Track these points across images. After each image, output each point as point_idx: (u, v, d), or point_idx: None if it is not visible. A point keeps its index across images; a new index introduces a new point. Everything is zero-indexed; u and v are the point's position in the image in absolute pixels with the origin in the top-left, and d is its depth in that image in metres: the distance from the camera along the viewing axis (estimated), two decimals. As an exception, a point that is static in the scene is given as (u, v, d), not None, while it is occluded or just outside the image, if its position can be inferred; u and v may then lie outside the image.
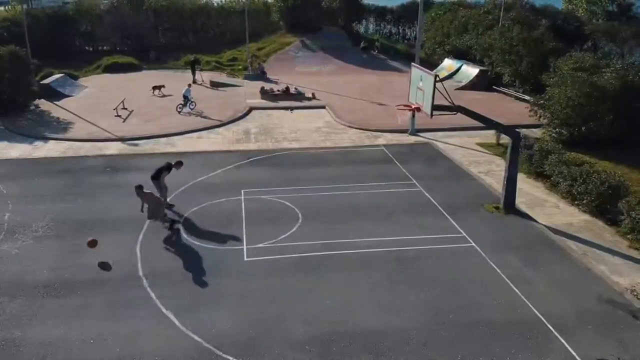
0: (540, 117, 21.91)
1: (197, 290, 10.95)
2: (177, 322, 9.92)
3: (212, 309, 10.31)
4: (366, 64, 40.45)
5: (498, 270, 11.74)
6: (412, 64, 14.75)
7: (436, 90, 13.51)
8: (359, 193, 15.98)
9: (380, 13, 50.45)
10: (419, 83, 14.00)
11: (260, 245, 12.86)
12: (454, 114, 13.58)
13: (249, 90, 31.55)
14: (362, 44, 43.27)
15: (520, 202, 15.56)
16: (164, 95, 29.92)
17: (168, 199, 14.93)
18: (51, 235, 13.17)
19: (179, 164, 15.06)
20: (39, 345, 9.20)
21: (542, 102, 21.76)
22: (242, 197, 15.65)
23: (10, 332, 9.49)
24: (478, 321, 9.96)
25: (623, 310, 10.34)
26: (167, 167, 14.68)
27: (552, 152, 17.07)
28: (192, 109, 26.07)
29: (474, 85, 32.33)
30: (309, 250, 12.59)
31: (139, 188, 13.09)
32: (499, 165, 18.67)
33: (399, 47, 45.23)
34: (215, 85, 33.32)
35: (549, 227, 13.95)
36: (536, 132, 22.14)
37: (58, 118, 24.87)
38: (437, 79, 12.77)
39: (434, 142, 21.80)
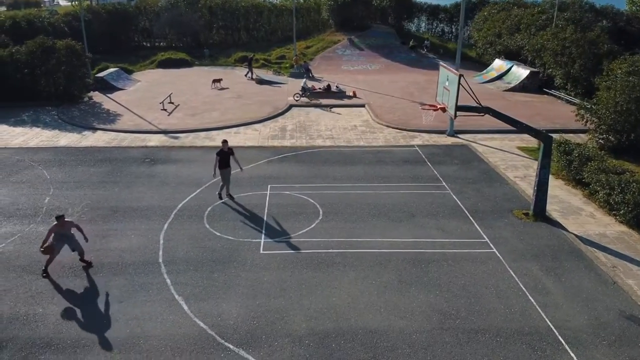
0: (586, 121, 20.85)
1: (210, 279, 11.30)
2: (186, 308, 10.29)
3: (221, 298, 10.61)
4: (414, 63, 39.97)
5: (516, 278, 11.35)
6: (440, 63, 14.44)
7: (467, 90, 13.13)
8: (384, 193, 15.87)
9: (433, 11, 49.57)
10: (445, 83, 13.70)
11: (278, 239, 13.07)
12: (481, 115, 13.16)
13: (292, 88, 31.96)
14: (410, 43, 42.75)
15: (553, 210, 14.93)
16: (222, 88, 31.49)
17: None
18: (84, 220, 13.97)
19: (224, 142, 15.14)
20: (56, 321, 9.83)
21: (589, 106, 20.69)
22: (268, 192, 15.94)
23: (33, 308, 10.20)
24: (485, 328, 9.70)
25: (646, 328, 9.72)
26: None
27: (592, 158, 16.22)
28: (308, 94, 28.18)
29: (524, 87, 31.24)
30: (324, 247, 12.67)
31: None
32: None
33: (450, 46, 44.28)
34: (260, 82, 33.96)
35: (579, 237, 13.32)
36: (584, 138, 21.14)
37: (108, 110, 26.24)
38: (461, 78, 12.41)
39: (472, 144, 21.27)
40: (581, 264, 11.98)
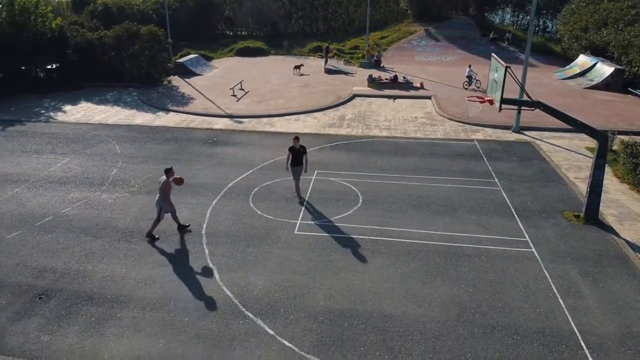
0: (669, 123, 19.11)
1: (244, 252, 12.01)
2: (217, 277, 11.07)
3: (251, 270, 11.27)
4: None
5: (549, 279, 10.95)
6: (492, 54, 14.00)
7: (517, 82, 12.71)
8: (430, 185, 15.76)
9: (519, 2, 47.19)
10: (494, 75, 13.32)
11: (314, 222, 13.52)
12: (532, 109, 12.67)
13: (359, 78, 32.16)
14: (491, 35, 41.16)
15: (610, 214, 14.07)
16: (302, 74, 33.20)
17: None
18: (143, 191, 15.29)
19: (295, 139, 14.38)
20: (101, 278, 11.00)
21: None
22: (313, 177, 16.41)
23: (84, 266, 11.47)
24: (504, 325, 9.53)
25: (685, 344, 9.05)
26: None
27: (664, 162, 14.99)
28: (477, 87, 28.83)
29: (607, 85, 29.13)
30: (357, 233, 12.93)
31: None
32: (602, 173, 16.87)
33: (535, 41, 41.98)
34: (329, 72, 34.45)
35: (630, 243, 12.49)
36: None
37: (183, 93, 28.02)
38: (509, 70, 12.01)
39: (538, 141, 20.36)
40: (625, 271, 11.28)
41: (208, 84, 30.47)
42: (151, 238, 12.57)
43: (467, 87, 29.08)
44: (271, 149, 19.19)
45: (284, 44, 42.62)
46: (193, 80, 31.60)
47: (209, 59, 38.71)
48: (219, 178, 16.34)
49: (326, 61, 36.25)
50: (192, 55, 35.71)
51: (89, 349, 9.02)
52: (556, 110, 12.59)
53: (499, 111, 12.82)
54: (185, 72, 32.88)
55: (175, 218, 12.82)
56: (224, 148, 19.25)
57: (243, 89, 28.90)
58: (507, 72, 11.96)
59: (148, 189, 15.53)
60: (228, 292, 10.55)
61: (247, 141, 20.22)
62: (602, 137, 12.70)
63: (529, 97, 12.75)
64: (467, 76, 29.18)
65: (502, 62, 12.40)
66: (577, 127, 12.72)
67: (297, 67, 34.01)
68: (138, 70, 29.40)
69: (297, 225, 13.37)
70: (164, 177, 12.51)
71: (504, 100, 12.23)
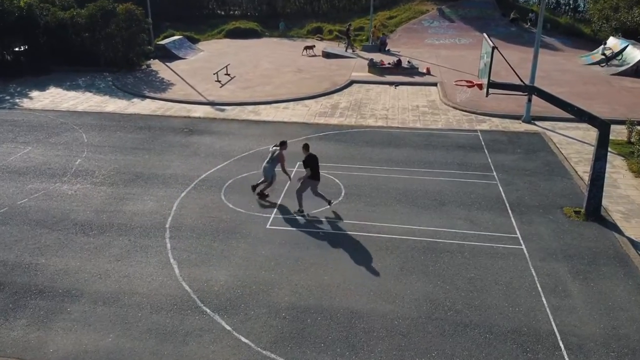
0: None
1: (209, 247, 12.66)
2: (177, 272, 11.73)
3: (214, 266, 11.91)
4: (512, 38, 38.95)
5: (535, 278, 11.48)
6: (484, 34, 14.52)
7: (510, 65, 13.22)
8: (420, 179, 16.30)
9: (547, -22, 47.48)
10: (484, 57, 13.85)
11: (289, 216, 14.13)
12: (525, 94, 13.18)
13: (360, 63, 32.74)
14: (511, 15, 41.52)
15: (616, 210, 14.54)
16: (314, 55, 34.99)
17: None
18: (107, 183, 16.01)
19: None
20: (54, 272, 11.71)
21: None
22: (295, 169, 17.01)
23: (36, 259, 12.18)
24: (478, 324, 10.07)
25: (673, 346, 9.54)
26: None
27: (679, 154, 15.41)
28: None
29: (638, 70, 29.42)
30: (334, 228, 13.53)
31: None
32: (615, 167, 17.41)
33: (562, 21, 42.39)
34: (327, 55, 35.06)
35: (633, 242, 12.95)
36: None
37: (162, 78, 28.79)
38: (495, 50, 12.53)
39: (549, 132, 20.83)
40: (621, 271, 11.76)
41: (191, 69, 31.22)
42: (260, 196, 14.90)
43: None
44: (253, 139, 19.84)
45: (279, 25, 43.26)
46: (175, 64, 32.37)
47: (195, 41, 39.43)
48: (191, 169, 17.01)
49: (350, 45, 36.87)
50: (175, 37, 36.47)
51: (34, 342, 9.70)
52: (552, 96, 13.10)
53: (486, 96, 13.34)
54: (167, 55, 33.64)
55: (265, 187, 14.97)
56: (200, 137, 19.93)
57: (229, 74, 29.59)
58: (495, 53, 12.46)
59: (112, 180, 16.24)
60: (187, 287, 11.20)
61: (227, 130, 20.89)
62: (602, 125, 13.18)
63: (521, 81, 13.25)
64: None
65: (490, 41, 12.92)
66: (575, 113, 13.21)
67: (309, 47, 35.62)
68: (114, 53, 30.20)
69: (271, 219, 13.98)
70: (278, 148, 14.67)
71: (492, 85, 12.76)
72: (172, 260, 12.20)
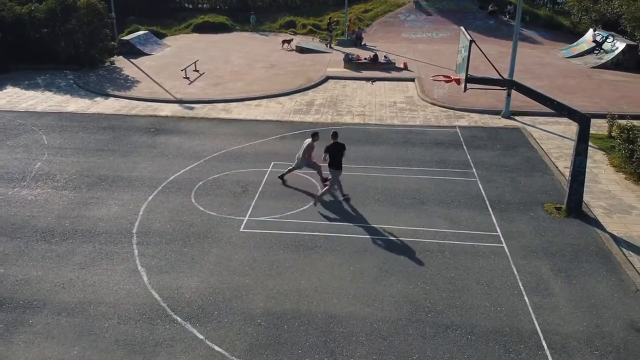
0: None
1: (179, 253, 12.56)
2: (145, 280, 11.61)
3: (184, 272, 11.83)
4: (490, 31, 39.57)
5: (517, 276, 11.67)
6: (462, 27, 14.71)
7: (488, 59, 13.41)
8: (398, 177, 16.43)
9: (524, -30, 48.22)
10: (462, 51, 14.03)
11: (263, 218, 14.11)
12: (503, 89, 13.40)
13: (335, 58, 32.87)
14: (490, 8, 42.12)
15: (598, 206, 14.88)
16: (292, 50, 35.49)
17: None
18: (69, 187, 15.76)
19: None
20: (14, 282, 11.48)
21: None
22: (269, 169, 17.01)
23: (-5, 267, 11.95)
24: (459, 325, 10.20)
25: (655, 343, 9.80)
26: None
27: (660, 148, 15.83)
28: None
29: (618, 63, 30.19)
30: (310, 229, 13.55)
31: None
32: (596, 162, 17.81)
33: (541, 13, 43.12)
34: (301, 50, 35.09)
35: (615, 237, 13.27)
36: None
37: (127, 76, 28.46)
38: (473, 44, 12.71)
39: (529, 127, 21.20)
40: (604, 267, 12.03)
41: (157, 65, 30.94)
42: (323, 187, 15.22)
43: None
44: (224, 138, 19.76)
45: (250, 19, 43.13)
46: (140, 60, 32.03)
47: (162, 36, 39.11)
48: (158, 171, 16.86)
49: (329, 42, 36.90)
50: (140, 32, 36.11)
51: (-6, 358, 9.51)
52: (531, 90, 13.34)
53: (464, 91, 13.52)
54: (132, 51, 33.30)
55: (320, 176, 15.53)
56: (168, 137, 19.77)
57: (197, 70, 29.42)
58: (474, 47, 12.63)
59: (74, 184, 15.99)
60: (156, 296, 11.10)
61: (196, 129, 20.76)
62: (582, 119, 13.46)
63: (500, 75, 13.45)
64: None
65: (468, 35, 13.09)
66: (555, 108, 13.47)
67: (287, 41, 35.88)
68: (75, 50, 29.75)
69: (244, 222, 13.94)
70: (310, 140, 15.11)
71: (470, 79, 12.93)
72: (140, 267, 12.07)
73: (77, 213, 14.35)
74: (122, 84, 26.88)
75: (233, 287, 11.37)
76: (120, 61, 31.73)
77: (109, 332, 10.08)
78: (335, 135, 14.67)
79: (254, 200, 15.06)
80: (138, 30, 37.24)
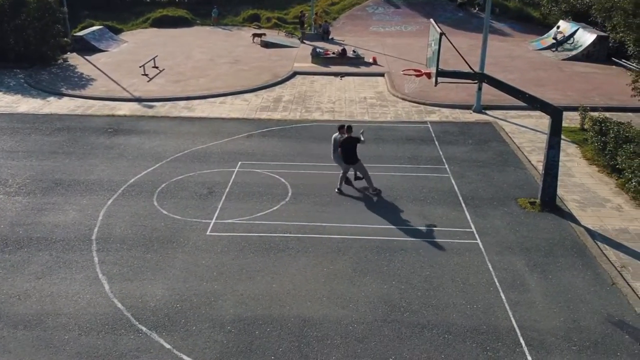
0: (645, 95, 20.74)
1: (142, 259, 12.42)
2: (107, 288, 11.44)
3: (149, 279, 11.70)
4: (460, 24, 40.11)
5: (492, 273, 11.90)
6: (431, 20, 14.92)
7: (459, 52, 13.62)
8: (371, 174, 16.42)
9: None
10: (432, 44, 14.23)
11: (231, 220, 14.06)
12: (474, 82, 13.65)
13: (303, 53, 32.89)
14: (459, 0, 42.71)
15: (572, 200, 15.26)
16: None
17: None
18: (22, 192, 15.42)
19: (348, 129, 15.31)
20: (-34, 293, 11.19)
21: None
22: (236, 169, 16.95)
23: (-56, 278, 11.62)
24: (435, 324, 10.35)
25: (631, 336, 10.13)
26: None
27: (631, 140, 16.31)
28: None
29: (589, 55, 30.97)
30: (282, 230, 13.56)
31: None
32: (569, 155, 18.26)
33: (510, 5, 43.93)
34: (266, 45, 35.01)
35: (590, 231, 13.65)
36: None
37: (82, 74, 27.96)
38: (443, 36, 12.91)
39: (501, 121, 21.60)
40: (579, 262, 12.36)
41: (114, 62, 30.50)
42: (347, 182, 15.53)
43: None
44: (187, 138, 19.60)
45: (212, 13, 42.81)
46: (95, 57, 31.51)
47: (118, 31, 38.55)
48: (117, 173, 16.64)
49: (302, 36, 36.76)
50: (95, 28, 35.54)
51: (-56, 376, 9.25)
52: (502, 83, 13.62)
53: (435, 85, 13.72)
54: (87, 48, 32.72)
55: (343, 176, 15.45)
56: (127, 138, 19.51)
57: (157, 67, 29.10)
58: (444, 40, 12.82)
59: (28, 189, 15.66)
60: (119, 305, 10.96)
61: (157, 129, 20.54)
62: (555, 112, 13.80)
63: (470, 68, 13.69)
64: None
65: (438, 28, 13.29)
66: (527, 101, 13.78)
67: (258, 35, 35.87)
68: (25, 47, 29.05)
69: (211, 225, 13.87)
70: (337, 134, 15.27)
71: (441, 73, 13.13)
72: (100, 275, 11.91)
73: (32, 220, 14.06)
74: (76, 83, 26.41)
75: (201, 293, 11.30)
76: (73, 58, 31.16)
77: (69, 345, 9.91)
78: (349, 129, 15.11)
79: (221, 202, 14.98)
80: (92, 25, 36.64)
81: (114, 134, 19.86)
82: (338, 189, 15.49)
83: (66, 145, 18.83)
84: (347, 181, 15.69)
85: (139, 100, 24.07)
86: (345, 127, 15.22)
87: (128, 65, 29.55)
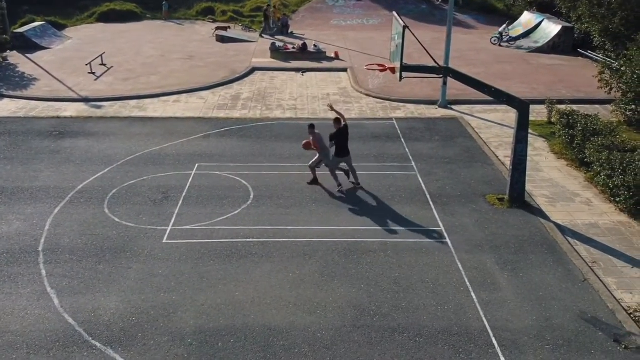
0: (611, 88, 21.39)
1: (94, 270, 12.18)
2: (56, 303, 11.19)
3: (102, 292, 11.49)
4: (423, 17, 40.68)
5: (462, 272, 12.10)
6: (394, 13, 15.07)
7: (423, 46, 13.78)
8: (337, 174, 16.58)
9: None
10: (395, 37, 14.38)
11: (189, 227, 13.91)
12: (440, 77, 13.86)
13: (261, 47, 32.85)
14: (421, -9, 43.32)
15: (541, 195, 15.62)
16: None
17: None
18: (-40, 202, 14.95)
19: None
20: None
21: (615, 66, 21.21)
22: (193, 172, 16.79)
23: None
24: (406, 327, 10.47)
25: (604, 333, 10.42)
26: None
27: (599, 133, 16.80)
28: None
29: (555, 46, 31.79)
30: (243, 236, 13.50)
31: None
32: (537, 149, 18.69)
33: (474, -4, 44.65)
34: (222, 39, 34.80)
35: (560, 227, 14.00)
36: (611, 110, 21.77)
37: (23, 73, 27.27)
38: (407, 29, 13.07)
39: (467, 116, 21.96)
40: (550, 258, 12.67)
41: (58, 60, 29.89)
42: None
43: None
44: (139, 140, 19.33)
45: (163, 6, 42.33)
46: (37, 55, 30.81)
47: (62, 27, 37.87)
48: (65, 179, 16.31)
49: (268, 27, 36.68)
50: (37, 24, 34.80)
51: None
52: (467, 77, 13.86)
53: (400, 80, 13.87)
54: (28, 45, 31.98)
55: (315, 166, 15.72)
56: (74, 141, 19.13)
57: (105, 64, 28.64)
58: (407, 33, 12.97)
59: (-32, 198, 15.20)
60: (70, 320, 10.73)
61: (106, 130, 20.20)
62: (521, 106, 14.11)
63: (435, 62, 13.88)
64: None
65: (401, 21, 13.43)
66: (493, 95, 14.06)
67: (222, 28, 36.07)
68: (-41, 45, 28.20)
69: (167, 232, 13.71)
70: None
71: (405, 68, 13.28)
72: (49, 289, 11.64)
73: (-29, 232, 13.64)
74: (17, 83, 25.76)
75: (158, 305, 11.16)
76: (14, 57, 30.40)
77: (17, 365, 9.65)
78: (338, 121, 15.40)
79: (178, 207, 14.82)
80: (34, 21, 35.89)
81: (59, 137, 19.45)
82: (339, 189, 15.70)
83: (8, 150, 18.34)
84: (346, 173, 16.05)
85: (86, 100, 23.63)
86: (334, 119, 15.54)
87: (73, 63, 28.99)
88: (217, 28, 36.04)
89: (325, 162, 15.59)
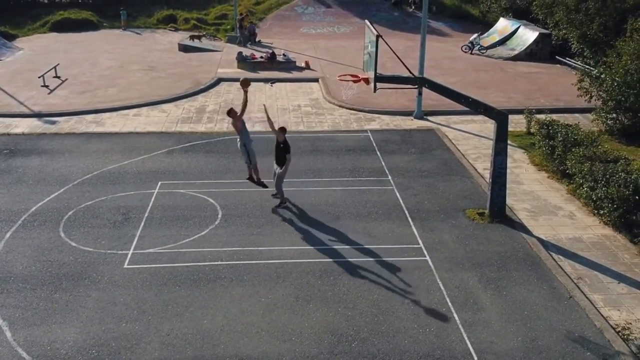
0: (591, 96, 21.82)
1: (50, 300, 11.90)
2: (8, 336, 10.89)
3: (58, 323, 11.22)
4: (396, 24, 41.14)
5: (444, 292, 12.13)
6: (366, 21, 15.18)
7: (397, 55, 13.88)
8: (309, 190, 16.62)
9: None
10: (368, 47, 14.48)
11: (152, 250, 13.71)
12: (415, 87, 13.98)
13: (227, 57, 32.83)
14: (393, -2, 43.89)
15: (522, 209, 15.79)
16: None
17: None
18: None
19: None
20: None
21: (595, 73, 21.66)
22: (156, 191, 16.59)
23: None
24: (387, 352, 10.43)
25: (592, 353, 10.52)
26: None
27: (580, 143, 17.07)
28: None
29: (532, 54, 32.41)
30: (212, 258, 13.34)
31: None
32: (516, 161, 18.92)
33: (448, 2, 45.40)
34: (185, 49, 34.68)
35: (543, 242, 14.15)
36: (590, 119, 22.17)
37: (-31, 87, 26.74)
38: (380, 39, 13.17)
39: (443, 128, 22.17)
40: (534, 275, 12.78)
41: (8, 72, 29.49)
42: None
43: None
44: (97, 157, 19.07)
45: (121, 14, 42.07)
46: (-15, 68, 30.29)
47: (12, 37, 37.39)
48: (16, 201, 15.97)
49: (242, 38, 36.50)
50: (-17, 34, 34.18)
51: None
52: (443, 87, 14.00)
53: (374, 91, 13.94)
54: (-26, 57, 31.42)
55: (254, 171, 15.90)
56: (26, 159, 18.78)
57: (59, 77, 28.31)
58: (380, 42, 13.06)
59: None
60: (24, 355, 10.46)
61: (61, 148, 19.89)
62: (499, 116, 14.29)
63: (410, 72, 13.99)
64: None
65: (373, 29, 13.52)
66: (470, 105, 14.22)
67: (196, 37, 36.41)
68: None
69: (129, 256, 13.49)
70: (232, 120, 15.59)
71: (379, 78, 13.35)
72: (0, 321, 11.34)
73: None
74: (-37, 97, 25.23)
75: (119, 336, 10.94)
76: (-41, 69, 29.81)
77: (-35, 406, 9.33)
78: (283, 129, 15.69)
79: (139, 230, 14.61)
80: (-20, 31, 35.26)
81: (10, 156, 19.08)
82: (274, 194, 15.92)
83: (-47, 171, 17.91)
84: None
85: (38, 115, 23.26)
86: (280, 127, 15.76)
87: (25, 75, 28.57)
88: (191, 37, 36.09)
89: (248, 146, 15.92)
